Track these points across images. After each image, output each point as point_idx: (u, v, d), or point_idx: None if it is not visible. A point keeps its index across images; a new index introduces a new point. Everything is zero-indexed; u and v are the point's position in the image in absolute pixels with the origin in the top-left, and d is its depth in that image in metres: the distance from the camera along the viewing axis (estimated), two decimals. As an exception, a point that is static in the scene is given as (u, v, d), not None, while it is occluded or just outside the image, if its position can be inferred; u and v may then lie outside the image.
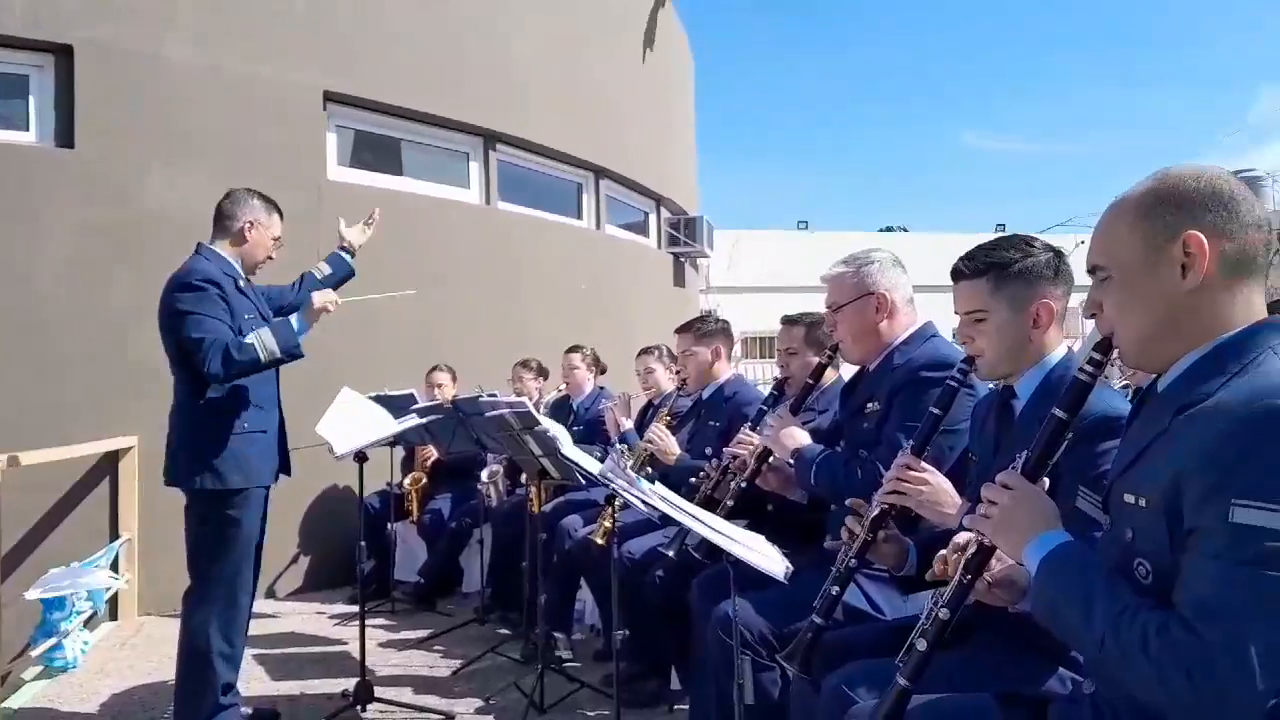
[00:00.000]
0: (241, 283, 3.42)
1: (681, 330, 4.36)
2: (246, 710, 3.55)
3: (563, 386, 5.82)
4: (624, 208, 9.66)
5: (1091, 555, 1.46)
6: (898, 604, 2.55)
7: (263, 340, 3.21)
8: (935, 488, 2.19)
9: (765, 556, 2.05)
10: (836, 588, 2.15)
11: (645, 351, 5.13)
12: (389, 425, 3.85)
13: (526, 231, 7.78)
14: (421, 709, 3.78)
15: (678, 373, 4.57)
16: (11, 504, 4.10)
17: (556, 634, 4.36)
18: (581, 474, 3.28)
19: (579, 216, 8.72)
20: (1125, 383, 5.91)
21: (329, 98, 6.34)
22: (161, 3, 5.59)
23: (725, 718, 2.39)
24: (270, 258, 3.57)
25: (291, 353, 3.29)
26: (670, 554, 3.13)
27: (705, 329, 4.29)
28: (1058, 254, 2.19)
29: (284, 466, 3.57)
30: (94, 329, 5.24)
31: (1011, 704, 1.67)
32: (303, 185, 5.98)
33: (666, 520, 2.45)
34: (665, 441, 4.02)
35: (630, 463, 2.43)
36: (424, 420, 3.95)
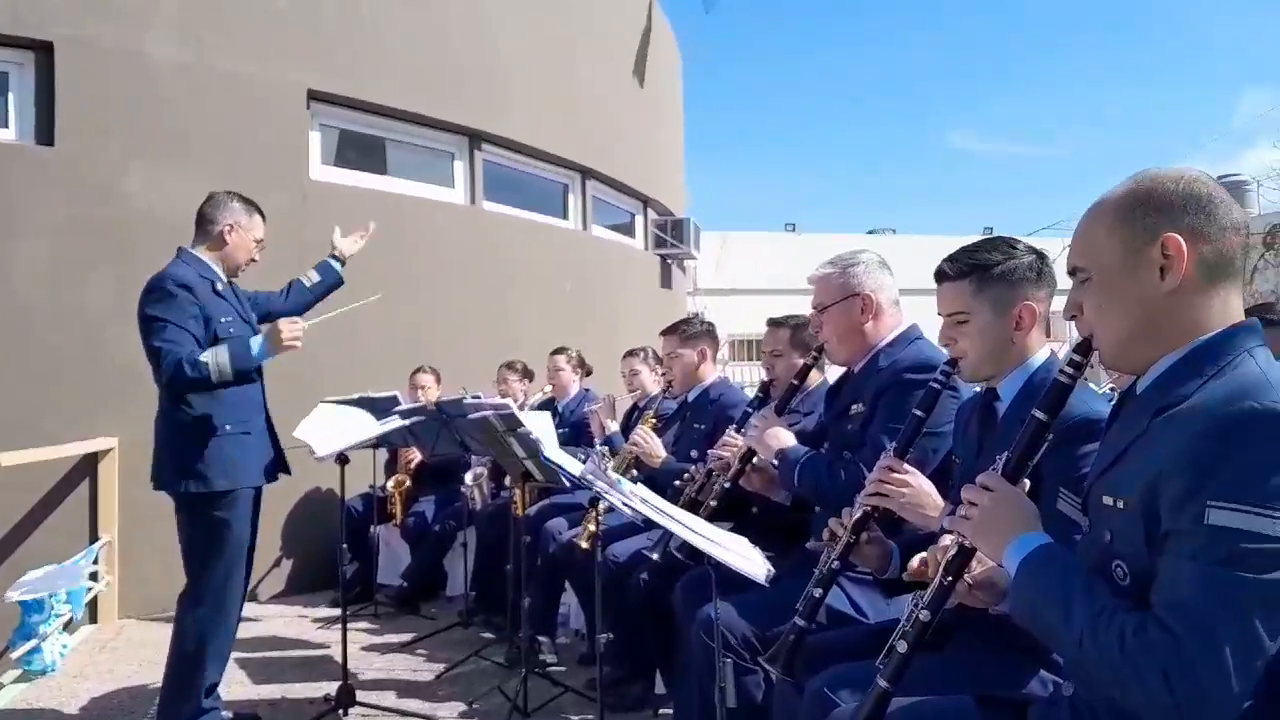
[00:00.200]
0: (220, 285, 3.40)
1: (667, 332, 4.35)
2: (227, 714, 3.52)
3: (548, 388, 5.80)
4: (610, 209, 9.64)
5: (1070, 557, 1.46)
6: (881, 607, 2.55)
7: (218, 359, 3.20)
8: (917, 490, 2.19)
9: (746, 559, 2.04)
10: (819, 590, 2.14)
11: (630, 353, 5.13)
12: (371, 427, 3.82)
13: (512, 232, 7.76)
14: (404, 713, 3.75)
15: (663, 375, 4.56)
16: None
17: (541, 638, 4.34)
18: (565, 476, 3.27)
19: (565, 217, 8.70)
20: (1111, 385, 5.93)
21: (313, 96, 6.31)
22: (143, 0, 5.54)
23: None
24: (254, 260, 3.56)
25: (243, 377, 3.28)
26: (654, 557, 3.11)
27: (691, 331, 4.29)
28: (1040, 256, 2.19)
29: (282, 465, 3.55)
30: (74, 329, 5.19)
31: (991, 706, 1.66)
32: (286, 185, 5.95)
33: (650, 523, 2.44)
34: (650, 444, 4.01)
35: (611, 465, 2.41)
36: (407, 422, 3.93)
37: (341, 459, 3.82)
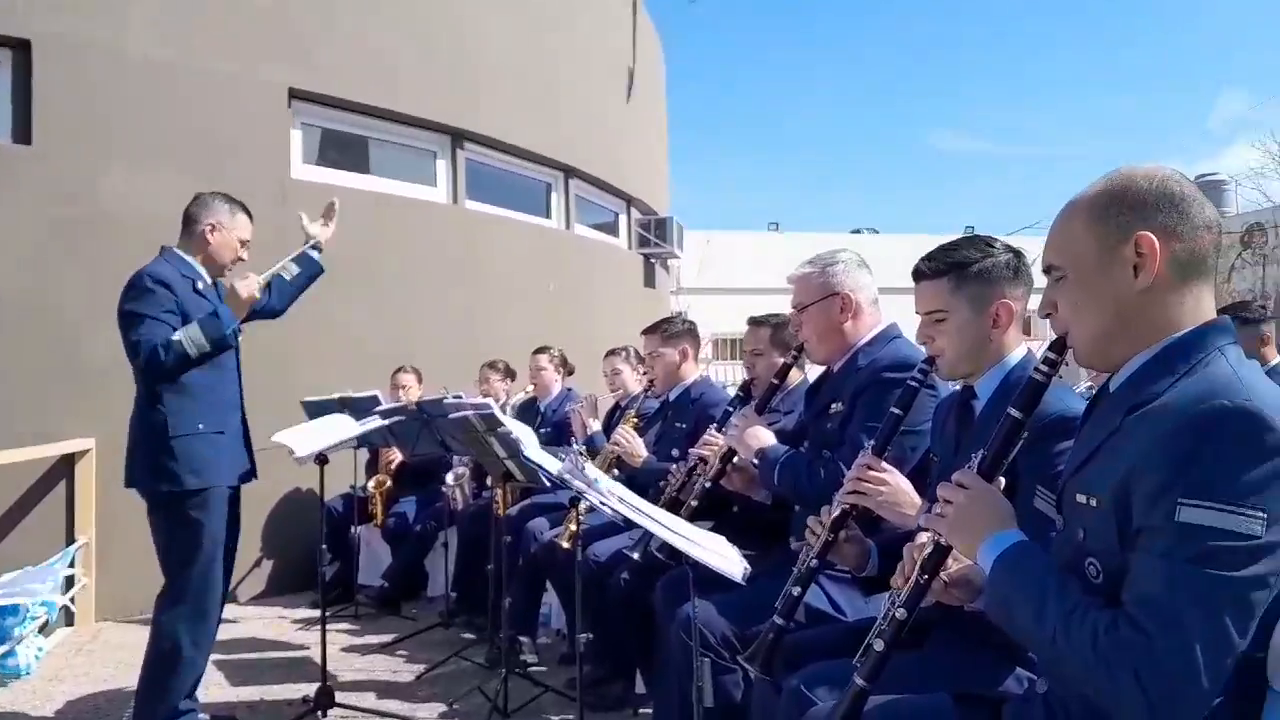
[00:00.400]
0: (201, 284, 3.39)
1: (649, 331, 4.35)
2: (204, 716, 3.49)
3: (530, 388, 5.79)
4: (594, 208, 9.63)
5: (1044, 555, 1.46)
6: (859, 605, 2.55)
7: (190, 336, 3.19)
8: (895, 488, 2.19)
9: (723, 558, 2.04)
10: (798, 588, 2.14)
11: (612, 353, 5.12)
12: (350, 428, 3.80)
13: (495, 231, 7.74)
14: (383, 714, 3.73)
15: (645, 374, 4.56)
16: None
17: (521, 638, 4.33)
18: (545, 476, 3.26)
19: (548, 216, 8.69)
20: (1090, 384, 5.97)
21: (294, 95, 6.27)
22: (121, -3, 5.49)
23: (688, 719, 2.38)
24: (241, 259, 3.54)
25: (220, 344, 3.26)
26: (635, 556, 3.11)
27: (672, 330, 4.29)
28: (1017, 254, 2.20)
29: (252, 468, 3.54)
30: (51, 329, 5.14)
31: (967, 704, 1.67)
32: (267, 183, 5.90)
33: (630, 522, 2.43)
34: (632, 443, 4.00)
35: (589, 464, 2.40)
36: (387, 422, 3.91)
37: (321, 459, 3.80)
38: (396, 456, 5.72)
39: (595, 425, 4.68)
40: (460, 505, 5.28)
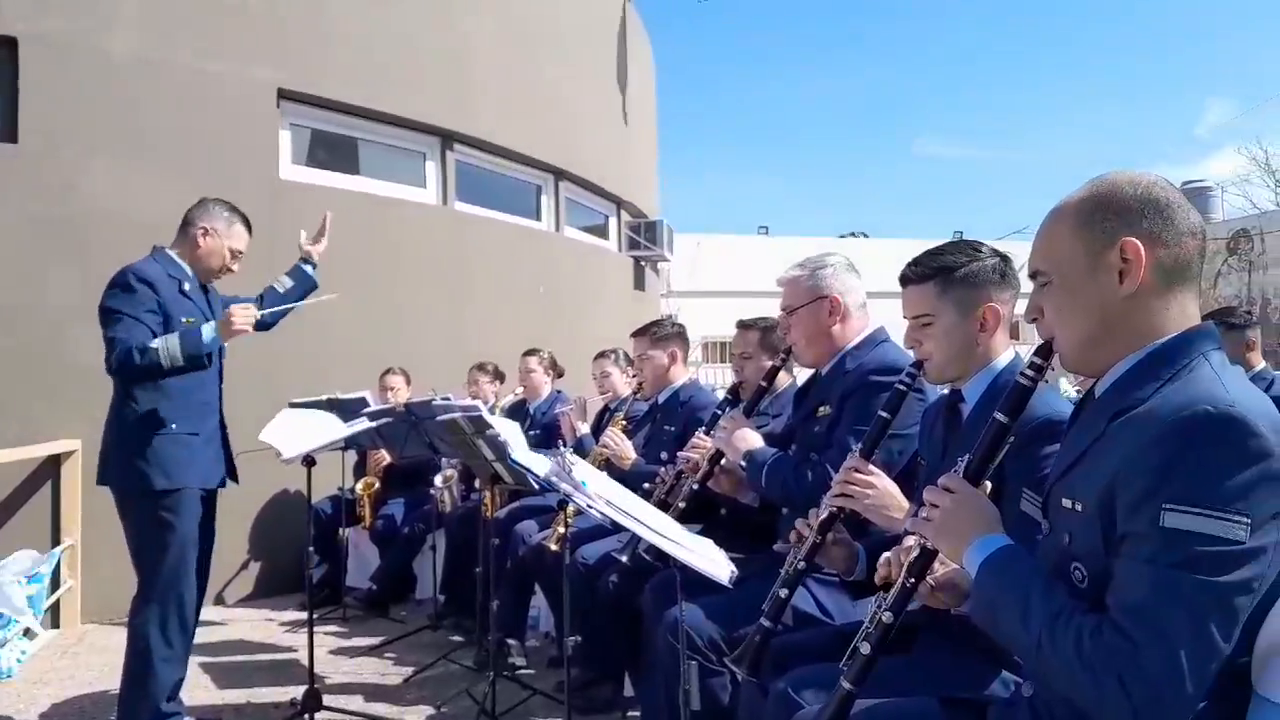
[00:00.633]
0: (188, 286, 3.38)
1: (638, 334, 4.35)
2: (190, 719, 3.47)
3: (519, 390, 5.78)
4: (584, 210, 9.63)
5: (1030, 559, 1.46)
6: (847, 608, 2.55)
7: (168, 346, 3.17)
8: (882, 491, 2.20)
9: (710, 561, 2.04)
10: (785, 590, 2.15)
11: (601, 355, 5.12)
12: (337, 429, 3.79)
13: (484, 233, 7.73)
14: (371, 717, 3.72)
15: (634, 377, 4.56)
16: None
17: (510, 641, 4.32)
18: (532, 479, 3.26)
19: (538, 218, 8.68)
20: (1078, 389, 5.99)
21: (283, 95, 6.25)
22: (109, -4, 5.47)
23: (675, 723, 2.38)
24: (230, 269, 3.53)
25: (195, 362, 3.24)
26: (623, 559, 3.10)
27: (661, 333, 4.29)
28: (1004, 259, 2.21)
29: (230, 473, 3.53)
30: (36, 329, 5.11)
31: (953, 707, 1.67)
32: (255, 184, 5.88)
33: (618, 525, 2.43)
34: (621, 446, 4.00)
35: (575, 465, 2.39)
36: (374, 424, 3.89)
37: (308, 461, 3.78)
38: (385, 458, 5.70)
39: (584, 428, 4.67)
40: (449, 507, 5.27)
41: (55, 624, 5.07)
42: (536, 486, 3.39)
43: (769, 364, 3.18)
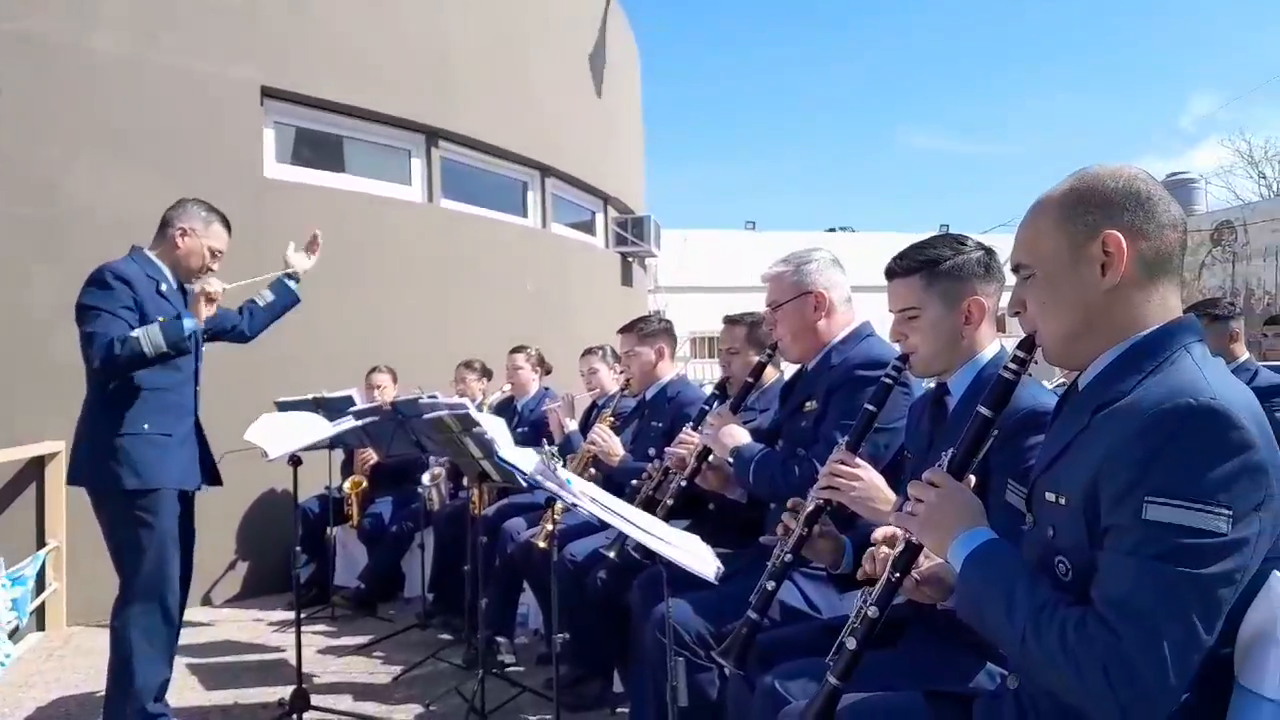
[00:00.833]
0: (165, 287, 3.37)
1: (625, 330, 4.34)
2: (176, 721, 3.46)
3: (507, 387, 5.77)
4: (570, 206, 9.61)
5: (1014, 553, 1.47)
6: (834, 602, 2.56)
7: (149, 335, 3.16)
8: (868, 483, 2.20)
9: (696, 557, 2.03)
10: (772, 582, 2.15)
11: (589, 352, 5.11)
12: (323, 428, 3.77)
13: (470, 230, 7.70)
14: (359, 716, 3.71)
15: (621, 373, 4.55)
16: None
17: (499, 638, 4.31)
18: (521, 476, 3.25)
19: (524, 215, 8.66)
20: (1061, 381, 6.02)
21: (266, 93, 6.21)
22: (89, -6, 5.42)
23: (664, 718, 2.38)
24: (210, 269, 3.50)
25: (178, 347, 3.23)
26: (612, 555, 3.10)
27: (648, 329, 4.28)
28: (989, 252, 2.22)
29: (211, 477, 3.51)
30: (17, 330, 5.06)
31: (939, 701, 1.67)
32: (239, 183, 5.85)
33: (606, 522, 2.43)
34: (609, 443, 3.99)
35: (560, 464, 2.39)
36: (360, 423, 3.88)
37: (294, 460, 3.76)
38: (372, 457, 5.68)
39: (572, 425, 4.66)
40: (437, 506, 5.26)
41: (41, 626, 5.04)
42: (524, 484, 3.38)
43: (756, 359, 3.18)
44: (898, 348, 2.28)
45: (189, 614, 5.25)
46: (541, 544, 3.72)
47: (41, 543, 5.05)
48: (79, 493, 3.38)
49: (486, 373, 6.03)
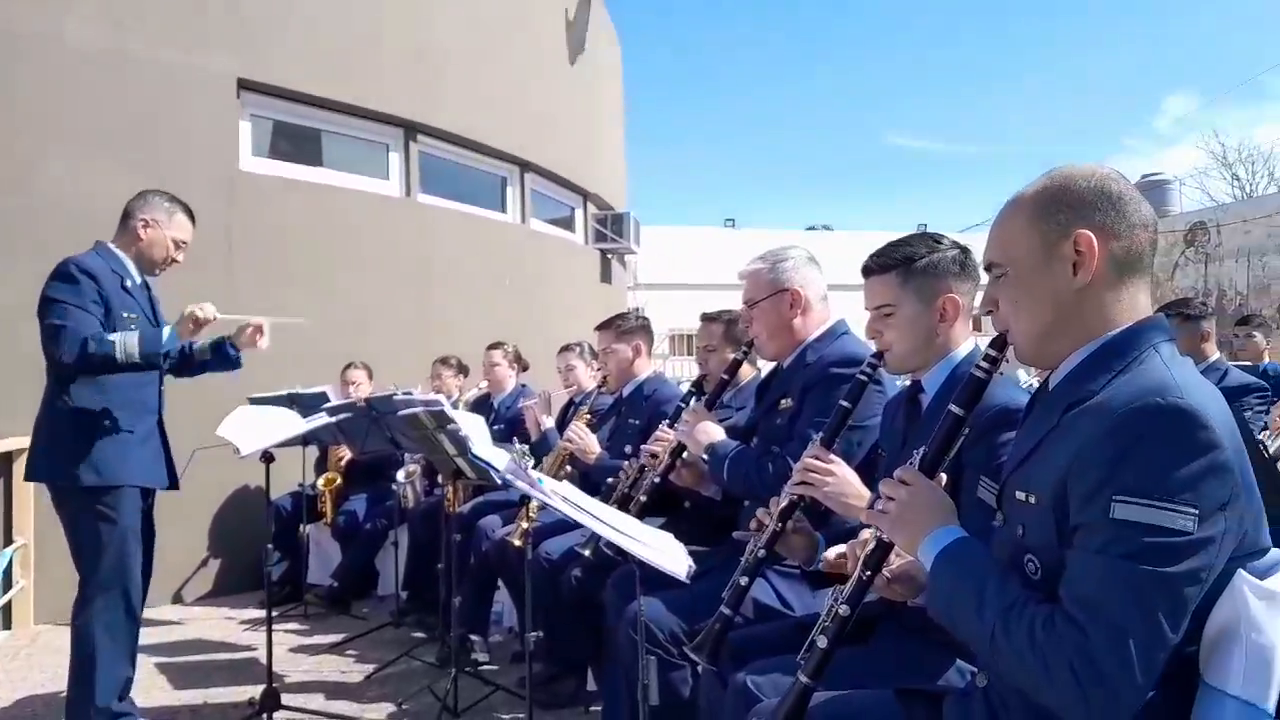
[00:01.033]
0: (130, 283, 3.32)
1: (602, 327, 4.32)
2: (143, 720, 3.42)
3: (484, 384, 5.74)
4: (550, 202, 9.57)
5: (984, 551, 1.47)
6: (806, 599, 2.56)
7: (125, 341, 3.12)
8: (841, 479, 2.20)
9: (668, 556, 2.02)
10: (745, 578, 2.15)
11: (566, 349, 5.09)
12: (296, 424, 3.73)
13: (448, 225, 7.65)
14: (330, 715, 3.68)
15: (598, 370, 4.53)
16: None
17: (473, 636, 4.29)
18: (496, 474, 3.23)
19: (503, 210, 8.61)
20: (1036, 378, 6.04)
21: (243, 86, 6.14)
22: (60, -17, 5.34)
23: (636, 717, 2.37)
24: (175, 260, 3.46)
25: (151, 360, 3.19)
26: (586, 553, 3.09)
27: (626, 326, 4.27)
28: (964, 250, 2.23)
29: (171, 479, 3.46)
30: (-15, 323, 4.97)
31: (910, 699, 1.67)
32: (214, 176, 5.79)
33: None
34: (585, 440, 3.98)
35: (530, 461, 2.38)
36: (334, 419, 3.84)
37: (267, 457, 3.72)
38: (346, 454, 5.64)
39: (549, 422, 4.64)
40: (411, 503, 5.22)
41: (7, 625, 4.96)
42: (499, 481, 3.36)
43: (732, 357, 3.17)
44: (873, 345, 2.28)
45: (159, 612, 5.23)
46: (516, 542, 3.70)
47: (9, 540, 4.97)
48: (47, 490, 3.33)
49: (463, 369, 6.00)
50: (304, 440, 4.64)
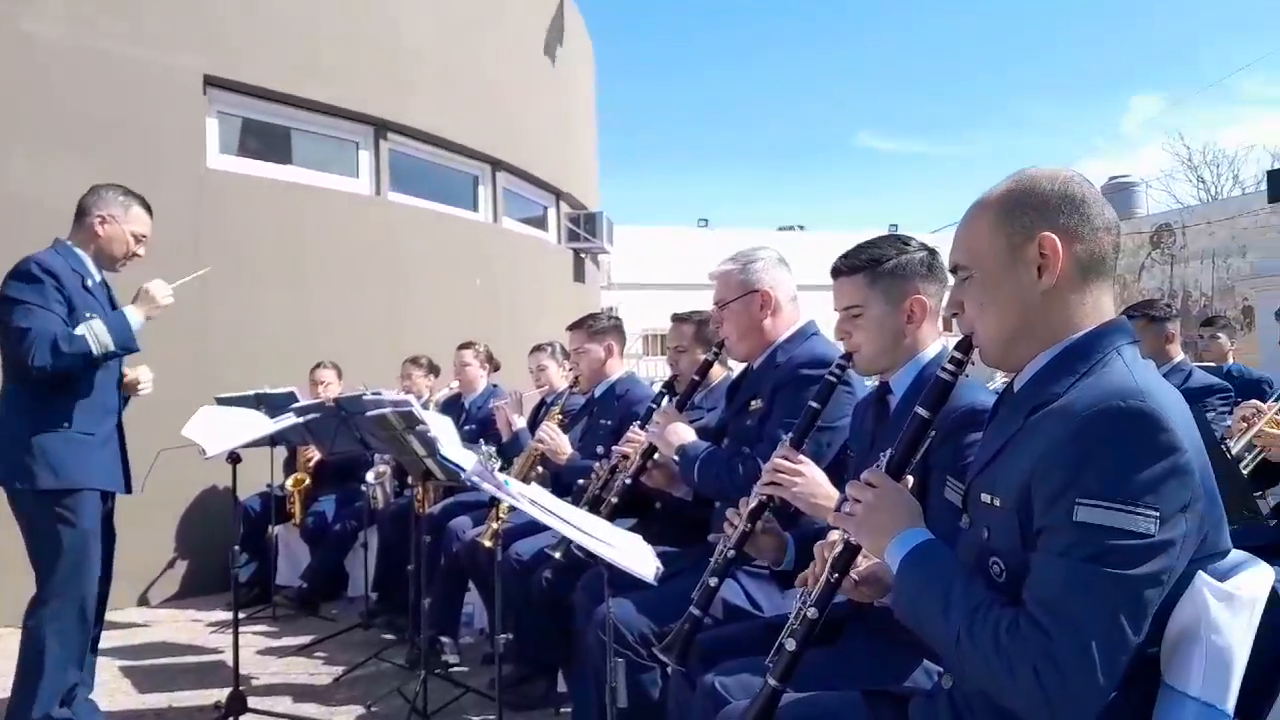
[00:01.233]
0: (90, 282, 3.27)
1: (574, 327, 4.31)
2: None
3: (454, 384, 5.70)
4: (522, 201, 9.54)
5: (950, 554, 1.47)
6: (776, 600, 2.55)
7: (94, 332, 3.07)
8: (810, 480, 2.21)
9: (636, 558, 2.02)
10: (715, 579, 2.15)
11: (538, 349, 5.07)
12: (263, 425, 3.69)
13: (419, 224, 7.61)
14: (297, 718, 3.64)
15: (570, 370, 4.52)
16: None
17: (443, 638, 4.26)
18: (464, 475, 3.21)
19: (475, 209, 8.57)
20: (1004, 379, 6.07)
21: (210, 82, 6.07)
22: (22, -24, 5.25)
23: (606, 719, 2.36)
24: (135, 254, 3.40)
25: (126, 346, 3.15)
26: (557, 555, 3.07)
27: (597, 326, 4.25)
28: (931, 252, 2.24)
29: (125, 484, 3.41)
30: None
31: (876, 700, 1.68)
32: (181, 173, 5.72)
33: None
34: (557, 441, 3.96)
35: (498, 464, 2.36)
36: (301, 420, 3.80)
37: (233, 458, 3.68)
38: (315, 454, 5.58)
39: (520, 422, 4.62)
40: (381, 504, 5.18)
41: (-35, 628, 4.87)
42: (468, 483, 3.34)
43: (703, 357, 3.17)
44: (842, 346, 2.29)
45: (124, 615, 5.16)
46: (487, 543, 3.68)
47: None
48: (2, 493, 3.27)
49: (434, 369, 5.96)
50: (272, 441, 4.59)
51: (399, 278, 7.17)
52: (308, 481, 5.61)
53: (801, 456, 2.25)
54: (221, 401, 4.76)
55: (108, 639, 4.16)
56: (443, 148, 7.95)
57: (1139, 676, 1.30)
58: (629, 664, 2.43)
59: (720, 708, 1.91)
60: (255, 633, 4.83)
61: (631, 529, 3.13)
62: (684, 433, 2.90)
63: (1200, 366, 4.78)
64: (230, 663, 3.71)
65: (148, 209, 3.43)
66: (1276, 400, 3.30)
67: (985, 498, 1.44)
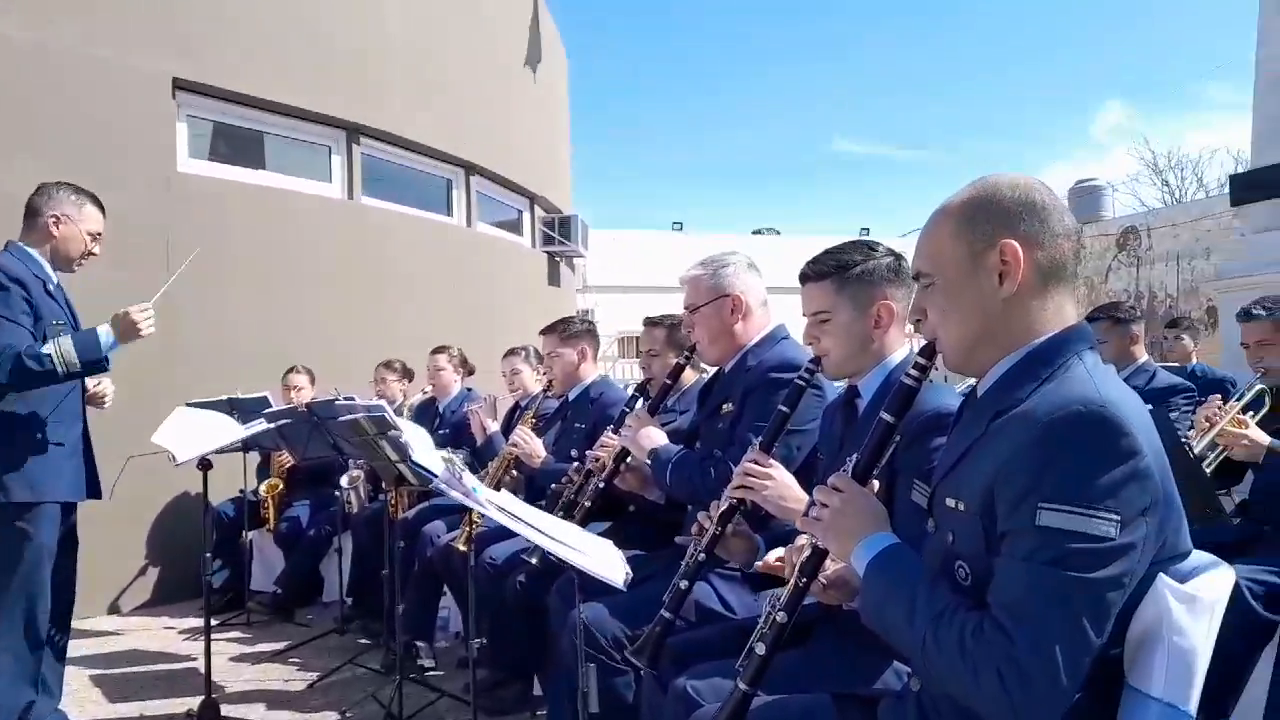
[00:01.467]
0: (51, 286, 3.22)
1: (547, 331, 4.31)
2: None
3: (428, 388, 5.69)
4: (496, 205, 9.52)
5: (915, 558, 1.49)
6: (748, 602, 2.57)
7: (61, 350, 3.01)
8: (779, 483, 2.23)
9: (605, 563, 2.03)
10: (685, 581, 2.17)
11: (511, 352, 5.07)
12: (234, 430, 3.67)
13: (392, 228, 7.57)
14: (272, 726, 3.63)
15: (544, 374, 4.52)
16: None
17: (418, 643, 4.25)
18: (435, 481, 3.21)
19: (449, 213, 8.55)
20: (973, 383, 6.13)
21: (179, 85, 6.01)
22: (-12, -23, 5.18)
23: (579, 723, 2.37)
24: (92, 253, 3.35)
25: (93, 367, 3.09)
26: (533, 561, 3.08)
27: (571, 330, 4.26)
28: (899, 257, 2.27)
29: (92, 489, 3.36)
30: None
31: (845, 703, 1.70)
32: (149, 177, 5.66)
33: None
34: (530, 444, 3.97)
35: (465, 471, 2.37)
36: (272, 425, 3.78)
37: (204, 464, 3.65)
38: (289, 459, 5.55)
39: (494, 426, 4.62)
40: (355, 509, 5.15)
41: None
42: (438, 489, 3.34)
43: (675, 361, 3.19)
44: (810, 350, 2.32)
45: (95, 623, 5.11)
46: (461, 547, 3.68)
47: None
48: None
49: (407, 373, 5.94)
50: (244, 446, 4.56)
51: (372, 282, 7.13)
52: (281, 486, 5.58)
53: (771, 460, 2.27)
54: (192, 406, 4.73)
55: (77, 648, 4.12)
56: (416, 152, 7.92)
57: (1102, 678, 1.32)
58: (602, 667, 2.45)
59: (691, 711, 1.92)
60: (229, 639, 4.80)
61: (605, 532, 3.16)
62: (656, 436, 2.91)
63: (1164, 367, 4.85)
64: (202, 670, 3.69)
65: (100, 207, 3.37)
66: (1238, 399, 3.36)
67: (950, 502, 1.46)
